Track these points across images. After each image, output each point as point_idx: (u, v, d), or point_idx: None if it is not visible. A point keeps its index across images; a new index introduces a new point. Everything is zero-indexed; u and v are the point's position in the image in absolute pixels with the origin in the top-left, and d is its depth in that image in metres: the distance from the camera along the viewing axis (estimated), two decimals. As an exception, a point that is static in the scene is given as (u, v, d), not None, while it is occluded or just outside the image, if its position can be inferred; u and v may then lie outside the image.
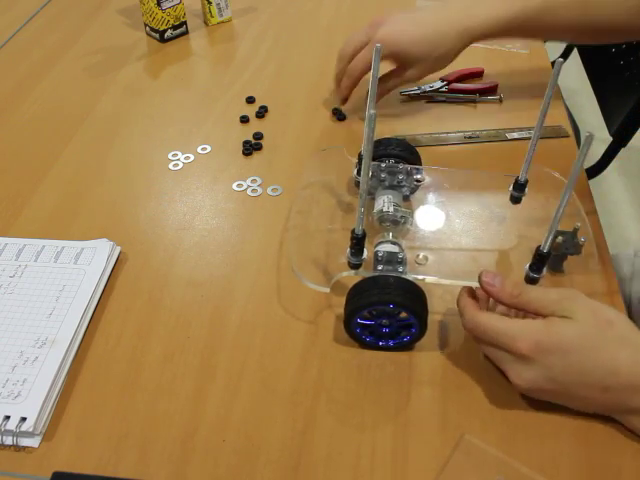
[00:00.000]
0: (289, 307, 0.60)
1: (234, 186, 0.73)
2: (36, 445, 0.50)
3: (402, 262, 0.55)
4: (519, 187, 0.61)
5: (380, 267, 0.54)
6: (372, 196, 0.65)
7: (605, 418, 0.50)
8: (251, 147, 0.78)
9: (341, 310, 0.55)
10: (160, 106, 0.86)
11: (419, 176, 0.65)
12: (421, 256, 0.59)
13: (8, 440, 0.49)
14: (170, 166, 0.76)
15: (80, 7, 1.10)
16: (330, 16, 1.06)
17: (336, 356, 0.56)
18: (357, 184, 0.68)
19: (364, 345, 0.56)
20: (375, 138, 0.47)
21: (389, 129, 0.80)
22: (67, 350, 0.55)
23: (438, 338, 0.57)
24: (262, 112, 0.84)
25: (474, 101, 0.85)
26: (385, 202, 0.61)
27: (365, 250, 0.54)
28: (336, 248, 0.62)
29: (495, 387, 0.53)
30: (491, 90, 0.87)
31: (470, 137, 0.79)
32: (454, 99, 0.86)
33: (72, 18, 1.07)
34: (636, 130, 1.06)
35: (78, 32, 1.03)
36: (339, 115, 0.82)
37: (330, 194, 0.70)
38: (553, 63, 0.55)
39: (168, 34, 0.99)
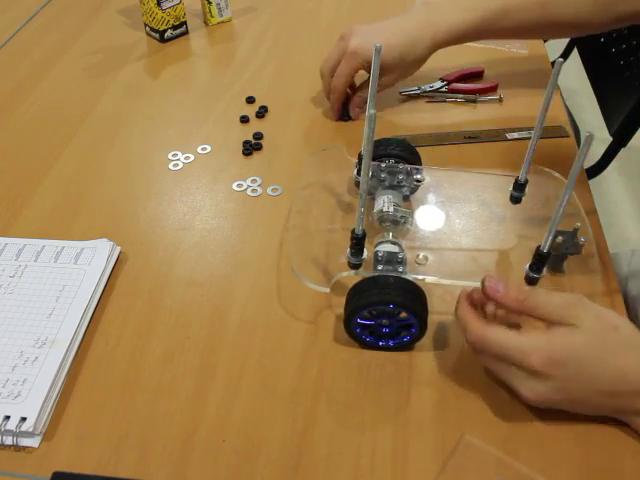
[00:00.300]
0: (289, 307, 0.60)
1: (234, 186, 0.73)
2: (36, 445, 0.50)
3: (402, 262, 0.55)
4: (519, 187, 0.61)
5: (380, 267, 0.54)
6: (372, 196, 0.65)
7: (605, 419, 0.50)
8: (251, 147, 0.78)
9: (341, 310, 0.55)
10: (160, 106, 0.86)
11: (419, 176, 0.65)
12: (421, 256, 0.59)
13: (8, 440, 0.49)
14: (170, 166, 0.76)
15: (80, 7, 1.10)
16: (330, 16, 1.06)
17: (336, 356, 0.56)
18: (357, 184, 0.68)
19: (364, 345, 0.56)
20: (375, 138, 0.47)
21: (389, 129, 0.80)
22: (67, 350, 0.55)
23: (438, 338, 0.57)
24: (262, 112, 0.84)
25: (474, 101, 0.85)
26: (385, 202, 0.61)
27: (365, 250, 0.54)
28: (336, 248, 0.62)
29: (495, 387, 0.53)
30: (491, 90, 0.87)
31: (470, 137, 0.79)
32: (454, 99, 0.86)
33: (72, 18, 1.07)
34: (636, 130, 1.06)
35: (78, 32, 1.03)
36: (344, 116, 0.82)
37: (330, 194, 0.70)
38: (553, 63, 0.55)
39: (168, 34, 0.99)
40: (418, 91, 0.86)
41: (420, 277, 0.55)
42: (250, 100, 0.86)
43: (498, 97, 0.85)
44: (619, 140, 1.09)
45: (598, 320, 0.47)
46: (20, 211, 0.70)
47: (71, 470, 0.48)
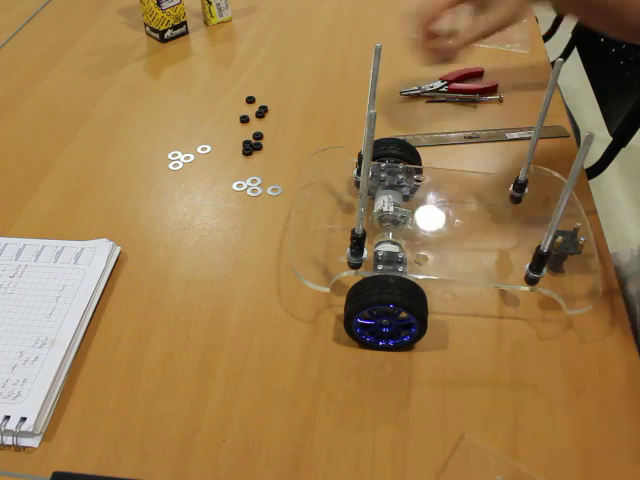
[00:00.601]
0: (289, 307, 0.60)
1: (234, 186, 0.73)
2: (36, 445, 0.50)
3: (402, 262, 0.55)
4: (519, 187, 0.61)
5: (380, 267, 0.54)
6: (372, 196, 0.65)
7: (605, 419, 0.50)
8: (251, 147, 0.78)
9: (341, 310, 0.55)
10: (160, 106, 0.86)
11: (419, 176, 0.65)
12: (421, 256, 0.59)
13: (8, 440, 0.49)
14: (170, 166, 0.76)
15: (80, 7, 1.10)
16: (330, 16, 1.06)
17: (336, 356, 0.56)
18: (357, 184, 0.68)
19: (364, 345, 0.56)
20: (375, 138, 0.47)
21: (389, 129, 0.80)
22: (67, 350, 0.55)
23: (438, 338, 0.57)
24: (262, 112, 0.84)
25: (474, 101, 0.85)
26: (385, 202, 0.61)
27: (365, 250, 0.54)
28: (336, 248, 0.62)
29: (495, 387, 0.53)
30: (491, 90, 0.87)
31: (470, 137, 0.79)
32: (454, 99, 0.86)
33: (72, 18, 1.07)
34: (636, 130, 1.06)
35: (78, 32, 1.03)
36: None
37: (330, 194, 0.70)
38: (553, 63, 0.55)
39: (168, 34, 0.99)
40: (418, 91, 0.86)
41: (420, 277, 0.55)
42: (250, 100, 0.86)
43: (498, 97, 0.85)
44: (619, 140, 1.09)
45: None
46: (20, 211, 0.70)
47: (71, 470, 0.48)
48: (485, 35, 0.69)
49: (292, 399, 0.52)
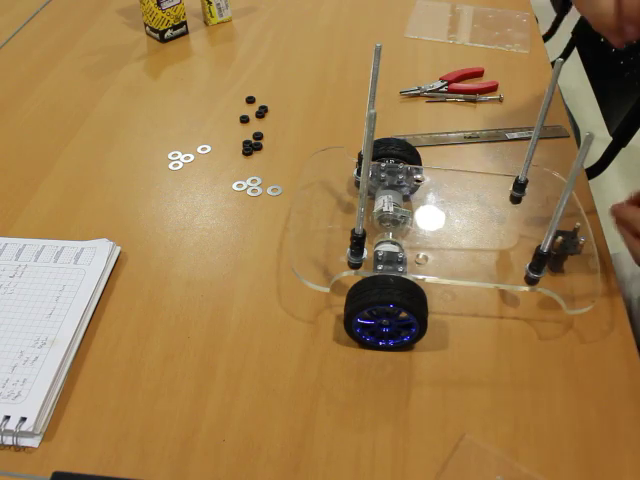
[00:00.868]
0: (289, 307, 0.60)
1: (234, 186, 0.73)
2: (36, 445, 0.50)
3: (402, 262, 0.55)
4: (519, 187, 0.61)
5: (380, 267, 0.54)
6: (372, 196, 0.65)
7: (605, 419, 0.50)
8: (251, 147, 0.78)
9: (341, 310, 0.55)
10: (160, 106, 0.86)
11: (419, 176, 0.65)
12: (421, 256, 0.59)
13: (8, 440, 0.49)
14: (170, 166, 0.76)
15: (80, 7, 1.10)
16: (330, 16, 1.06)
17: (336, 356, 0.56)
18: (357, 184, 0.68)
19: (364, 345, 0.56)
20: (375, 138, 0.47)
21: (389, 129, 0.80)
22: (67, 350, 0.55)
23: (438, 338, 0.57)
24: (262, 112, 0.84)
25: (474, 101, 0.85)
26: (385, 202, 0.61)
27: (365, 250, 0.54)
28: (336, 248, 0.62)
29: (495, 387, 0.53)
30: (491, 90, 0.87)
31: (470, 137, 0.79)
32: (454, 99, 0.86)
33: (72, 18, 1.07)
34: (636, 130, 1.06)
35: (78, 32, 1.03)
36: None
37: (330, 194, 0.70)
38: (553, 63, 0.55)
39: (168, 34, 0.99)
40: (418, 91, 0.86)
41: (420, 277, 0.55)
42: (250, 100, 0.86)
43: (498, 97, 0.85)
44: (619, 140, 1.09)
45: None
46: (20, 211, 0.70)
47: (71, 470, 0.48)
48: None
49: (292, 399, 0.52)
